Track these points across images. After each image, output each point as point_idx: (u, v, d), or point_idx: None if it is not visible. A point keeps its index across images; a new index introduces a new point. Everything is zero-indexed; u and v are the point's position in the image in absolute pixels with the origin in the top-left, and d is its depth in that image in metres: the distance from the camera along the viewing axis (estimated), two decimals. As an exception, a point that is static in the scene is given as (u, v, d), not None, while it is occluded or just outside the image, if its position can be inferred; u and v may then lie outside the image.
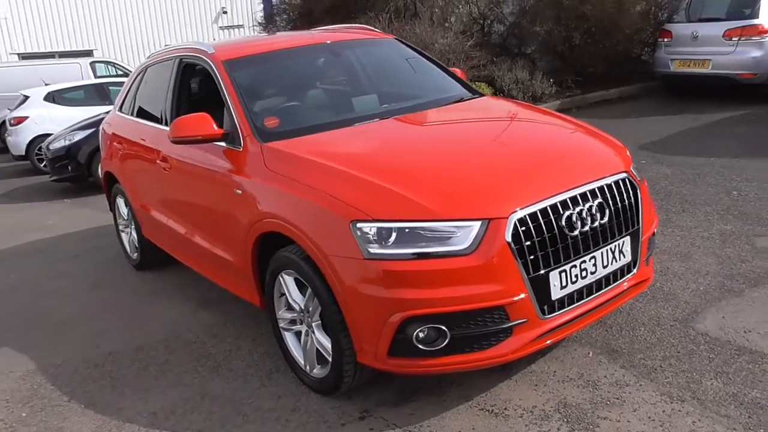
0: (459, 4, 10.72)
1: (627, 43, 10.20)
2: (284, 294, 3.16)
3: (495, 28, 11.48)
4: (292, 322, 3.17)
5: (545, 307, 2.63)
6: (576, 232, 2.69)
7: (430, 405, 2.90)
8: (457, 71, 4.23)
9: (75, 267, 5.51)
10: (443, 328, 2.52)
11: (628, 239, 2.91)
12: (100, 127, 5.48)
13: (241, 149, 3.29)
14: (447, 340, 2.54)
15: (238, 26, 20.53)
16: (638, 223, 2.97)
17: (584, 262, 2.73)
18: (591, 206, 2.75)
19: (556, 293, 2.65)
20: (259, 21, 17.01)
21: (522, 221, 2.56)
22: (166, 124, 4.06)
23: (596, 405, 2.76)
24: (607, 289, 2.86)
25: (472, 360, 2.60)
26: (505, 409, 2.81)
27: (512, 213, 2.55)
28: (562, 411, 2.74)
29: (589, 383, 2.92)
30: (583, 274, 2.74)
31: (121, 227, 5.35)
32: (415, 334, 2.53)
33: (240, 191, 3.19)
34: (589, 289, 2.78)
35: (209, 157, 3.53)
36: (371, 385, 3.04)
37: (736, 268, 3.88)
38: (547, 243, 2.61)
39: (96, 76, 14.87)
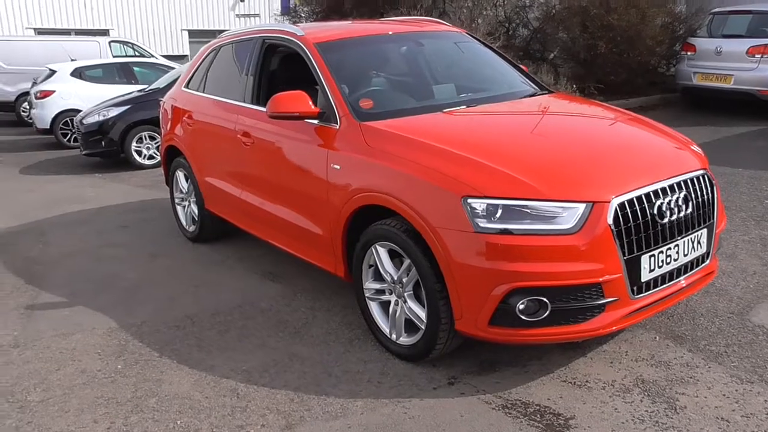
0: (487, 5, 10.93)
1: (649, 54, 10.48)
2: (373, 265, 3.36)
3: (519, 32, 11.72)
4: (380, 292, 3.36)
5: (635, 288, 2.84)
6: (665, 220, 2.91)
7: (513, 375, 3.10)
8: (524, 67, 4.44)
9: (127, 237, 5.66)
10: (545, 300, 2.73)
11: (705, 231, 3.13)
12: (162, 104, 5.63)
13: (338, 127, 3.47)
14: (547, 312, 2.75)
15: (255, 15, 20.67)
16: (713, 218, 3.20)
17: (669, 248, 2.95)
18: (678, 197, 2.97)
19: (645, 275, 2.87)
20: (277, 12, 17.16)
21: (621, 206, 2.78)
22: (253, 102, 4.24)
23: (672, 382, 2.97)
24: (684, 276, 3.08)
25: (566, 332, 2.81)
26: (587, 381, 3.02)
27: (614, 198, 2.77)
28: (641, 386, 2.95)
29: (661, 363, 3.14)
30: (668, 260, 2.96)
31: (177, 200, 5.51)
32: (518, 304, 2.73)
33: (338, 166, 3.38)
34: (671, 275, 3.00)
35: (299, 134, 3.72)
36: (452, 356, 3.23)
37: (782, 269, 4.12)
38: (641, 228, 2.83)
39: (113, 56, 14.98)
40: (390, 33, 4.25)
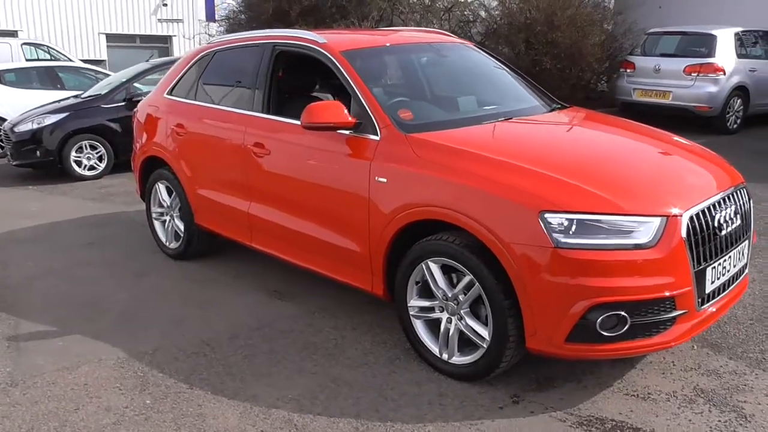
0: (434, 19, 11.04)
1: (590, 71, 10.94)
2: (419, 282, 3.24)
3: (463, 45, 11.91)
4: (427, 310, 3.24)
5: (700, 300, 2.89)
6: (723, 233, 2.98)
7: (573, 390, 3.07)
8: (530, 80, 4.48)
9: (98, 255, 5.22)
10: (624, 315, 2.71)
11: (746, 243, 3.24)
12: (139, 112, 5.24)
13: (379, 138, 3.34)
14: (626, 327, 2.73)
15: (178, 20, 19.89)
16: (751, 230, 3.31)
17: (725, 260, 3.02)
18: (730, 210, 3.05)
19: (708, 287, 2.92)
20: (202, 19, 16.62)
21: (690, 220, 2.81)
22: (264, 111, 4.01)
23: (729, 390, 3.04)
24: (732, 287, 3.16)
25: (640, 346, 2.81)
26: (649, 394, 3.03)
27: (685, 211, 2.80)
28: (702, 396, 2.99)
29: (710, 372, 3.20)
30: (723, 271, 3.03)
31: (155, 215, 5.14)
32: (598, 320, 2.70)
33: (384, 179, 3.24)
34: (724, 286, 3.07)
35: (329, 145, 3.55)
36: (507, 373, 3.16)
37: (779, 276, 4.35)
38: (705, 241, 2.88)
39: (26, 59, 13.98)
40: (412, 43, 4.15)
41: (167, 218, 5.03)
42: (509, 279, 2.84)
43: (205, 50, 4.75)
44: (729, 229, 3.03)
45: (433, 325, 3.28)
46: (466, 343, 3.15)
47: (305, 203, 3.74)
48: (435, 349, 3.23)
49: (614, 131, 3.74)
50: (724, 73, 9.31)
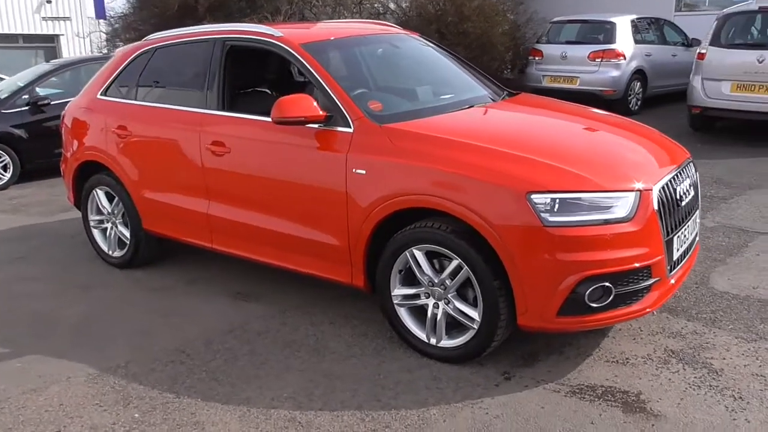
0: (346, 11, 11.04)
1: (500, 59, 11.33)
2: (402, 271, 3.28)
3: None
4: (411, 297, 3.29)
5: (669, 267, 3.11)
6: (684, 203, 3.22)
7: (558, 362, 3.22)
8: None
9: (31, 270, 4.87)
10: (609, 285, 2.88)
11: (698, 212, 3.51)
12: (67, 115, 4.92)
13: (352, 131, 3.33)
14: (611, 297, 2.90)
15: (65, 18, 18.67)
16: (699, 200, 3.59)
17: (686, 229, 3.27)
18: (686, 183, 3.30)
19: (675, 255, 3.15)
20: (92, 16, 15.77)
21: (658, 193, 3.02)
22: (219, 108, 3.89)
23: (695, 349, 3.29)
24: (689, 254, 3.42)
25: (622, 314, 2.99)
26: (627, 359, 3.23)
27: (654, 185, 3.00)
28: (674, 356, 3.23)
29: (674, 334, 3.45)
30: (684, 239, 3.27)
31: (94, 223, 4.86)
32: (587, 292, 2.85)
33: (363, 171, 3.24)
34: (684, 254, 3.32)
35: (297, 139, 3.50)
36: (492, 352, 3.26)
37: (707, 242, 4.73)
38: (671, 212, 3.10)
39: None
40: (367, 35, 4.16)
41: (108, 225, 4.77)
42: (498, 260, 2.94)
43: (142, 47, 4.53)
44: (686, 200, 3.28)
45: (418, 312, 3.33)
46: (452, 326, 3.22)
47: (274, 200, 3.67)
48: (422, 335, 3.28)
49: (572, 114, 3.93)
50: (625, 58, 9.93)
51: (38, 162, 8.21)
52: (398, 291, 3.31)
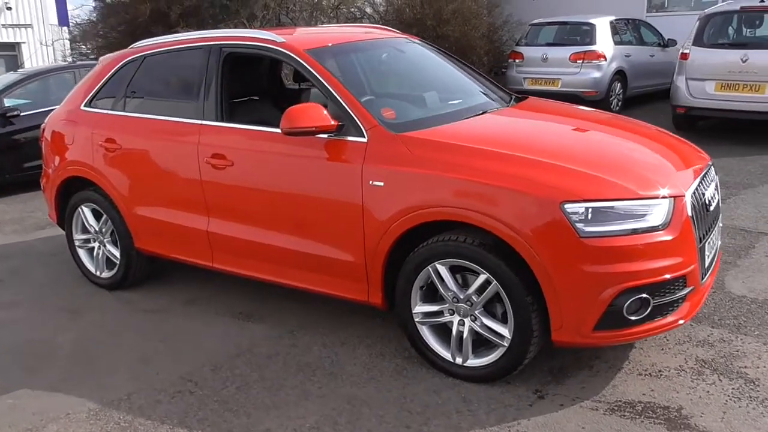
0: (322, 16, 10.86)
1: (479, 63, 11.26)
2: (423, 287, 3.12)
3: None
4: (435, 314, 3.13)
5: (701, 275, 3.00)
6: (711, 208, 3.12)
7: (589, 378, 3.08)
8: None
9: (12, 294, 4.57)
10: (648, 297, 2.75)
11: (721, 217, 3.42)
12: (47, 128, 4.64)
13: (366, 140, 3.16)
14: (649, 309, 2.77)
15: (26, 26, 18.05)
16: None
17: (714, 234, 3.17)
18: (712, 187, 3.21)
19: (706, 262, 3.05)
20: (55, 23, 15.30)
21: (690, 198, 2.91)
22: (219, 119, 3.68)
23: (726, 358, 3.19)
24: (715, 260, 3.32)
25: (659, 326, 2.87)
26: (660, 371, 3.11)
27: (686, 191, 2.89)
28: (708, 367, 3.12)
29: (702, 342, 3.35)
30: (713, 245, 3.18)
31: (79, 243, 4.59)
32: (626, 305, 2.72)
33: (381, 183, 3.07)
34: (712, 260, 3.22)
35: (306, 150, 3.32)
36: (520, 371, 3.11)
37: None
38: (702, 218, 2.99)
39: None
40: (369, 40, 3.99)
41: (95, 245, 4.51)
42: (530, 274, 2.79)
43: (129, 56, 4.28)
44: (714, 204, 3.18)
45: (441, 330, 3.17)
46: (478, 344, 3.07)
47: (282, 215, 3.47)
48: (446, 354, 3.12)
49: (589, 119, 3.81)
50: (606, 59, 9.94)
51: (8, 176, 7.84)
52: (420, 308, 3.15)
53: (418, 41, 4.44)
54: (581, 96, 9.92)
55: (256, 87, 4.44)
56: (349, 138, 3.21)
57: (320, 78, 3.36)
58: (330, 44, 3.69)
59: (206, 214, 3.78)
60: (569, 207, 2.70)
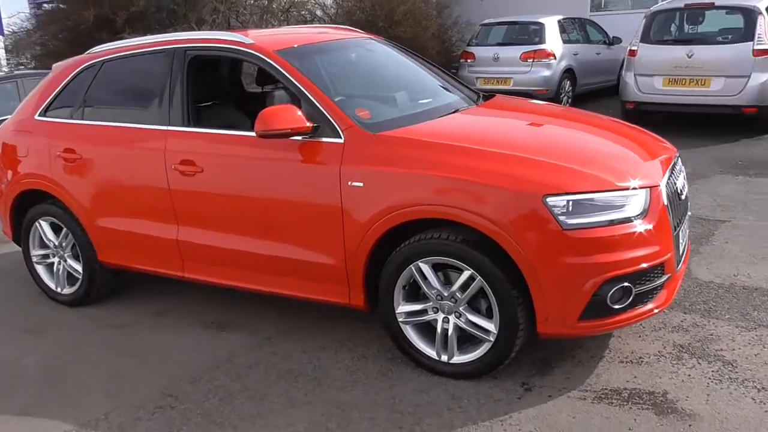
0: (273, 19, 10.75)
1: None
2: (406, 286, 3.10)
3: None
4: (418, 313, 3.11)
5: (677, 263, 3.08)
6: (683, 197, 3.21)
7: (573, 368, 3.12)
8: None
9: (-35, 315, 4.34)
10: (629, 285, 2.80)
11: (690, 206, 3.52)
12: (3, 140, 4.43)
13: (343, 141, 3.12)
14: (631, 297, 2.83)
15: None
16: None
17: (684, 223, 3.26)
18: (681, 177, 3.29)
19: (681, 250, 3.12)
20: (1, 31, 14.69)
21: (665, 188, 2.98)
22: (185, 124, 3.58)
23: (702, 342, 3.28)
24: (686, 249, 3.40)
25: (640, 314, 2.92)
26: (640, 358, 3.17)
27: (661, 180, 2.96)
28: (685, 351, 3.20)
29: (677, 328, 3.43)
30: (685, 233, 3.26)
31: (37, 258, 4.38)
32: (609, 294, 2.76)
33: (360, 183, 3.03)
34: (684, 248, 3.30)
35: (280, 153, 3.26)
36: (504, 365, 3.12)
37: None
38: (675, 207, 3.07)
39: None
40: (339, 40, 3.95)
41: (55, 260, 4.32)
42: (513, 268, 2.81)
43: (86, 62, 4.12)
44: (685, 193, 3.27)
45: (424, 329, 3.16)
46: (462, 340, 3.07)
47: (257, 220, 3.40)
48: (431, 353, 3.11)
49: (559, 116, 3.87)
50: (555, 58, 10.15)
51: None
52: (403, 308, 3.13)
53: (384, 41, 4.43)
54: (532, 94, 10.07)
55: (218, 91, 4.34)
56: (324, 139, 3.17)
57: (292, 79, 3.31)
58: (296, 45, 3.63)
59: (175, 222, 3.67)
60: (551, 200, 2.73)
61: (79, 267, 4.21)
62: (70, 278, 4.30)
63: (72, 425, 2.96)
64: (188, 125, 3.61)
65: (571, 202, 2.75)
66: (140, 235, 3.83)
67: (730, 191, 5.87)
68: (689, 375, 2.99)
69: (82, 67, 4.11)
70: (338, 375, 3.23)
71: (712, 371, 3.01)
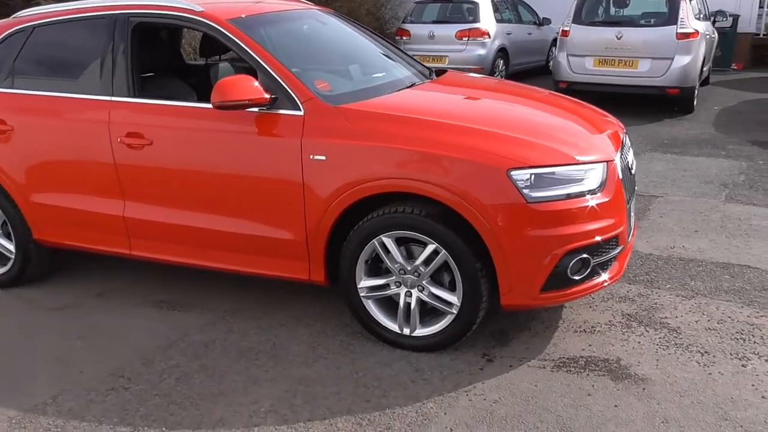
0: None
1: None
2: (368, 260, 3.09)
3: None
4: (380, 288, 3.11)
5: (628, 236, 3.20)
6: (633, 171, 3.33)
7: (530, 338, 3.21)
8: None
9: None
10: (588, 257, 2.89)
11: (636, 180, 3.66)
12: None
13: (303, 113, 3.05)
14: (589, 269, 2.92)
15: None
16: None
17: (633, 198, 3.39)
18: (630, 152, 3.42)
19: (631, 223, 3.25)
20: None
21: (618, 162, 3.09)
22: (131, 94, 3.40)
23: (648, 310, 3.44)
24: (634, 224, 3.54)
25: (595, 285, 3.02)
26: (593, 327, 3.30)
27: (615, 155, 3.06)
28: (633, 319, 3.35)
29: (624, 298, 3.59)
30: (633, 208, 3.39)
31: (-39, 238, 4.09)
32: (570, 265, 2.85)
33: (323, 157, 2.98)
34: (633, 222, 3.43)
35: (235, 126, 3.16)
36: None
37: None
38: (626, 181, 3.19)
39: None
40: (291, 10, 3.83)
41: (-15, 239, 4.04)
42: (477, 241, 2.84)
43: (13, 26, 3.82)
44: (634, 168, 3.40)
45: (386, 303, 3.16)
46: (424, 313, 3.10)
47: (211, 196, 3.28)
48: (394, 327, 3.12)
49: (512, 92, 3.91)
50: (489, 37, 10.29)
51: None
52: (365, 283, 3.11)
53: (335, 14, 4.34)
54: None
55: (159, 61, 4.14)
56: (282, 111, 3.09)
57: (247, 49, 3.19)
58: (252, 14, 3.50)
59: (122, 197, 3.50)
60: (515, 174, 2.77)
61: (11, 246, 3.95)
62: (1, 258, 4.04)
63: (17, 411, 2.79)
64: (134, 96, 3.43)
65: (533, 176, 2.80)
66: (82, 212, 3.63)
67: (660, 168, 6.15)
68: (639, 342, 3.14)
69: (10, 32, 3.81)
70: (299, 351, 3.19)
71: (659, 338, 3.17)
